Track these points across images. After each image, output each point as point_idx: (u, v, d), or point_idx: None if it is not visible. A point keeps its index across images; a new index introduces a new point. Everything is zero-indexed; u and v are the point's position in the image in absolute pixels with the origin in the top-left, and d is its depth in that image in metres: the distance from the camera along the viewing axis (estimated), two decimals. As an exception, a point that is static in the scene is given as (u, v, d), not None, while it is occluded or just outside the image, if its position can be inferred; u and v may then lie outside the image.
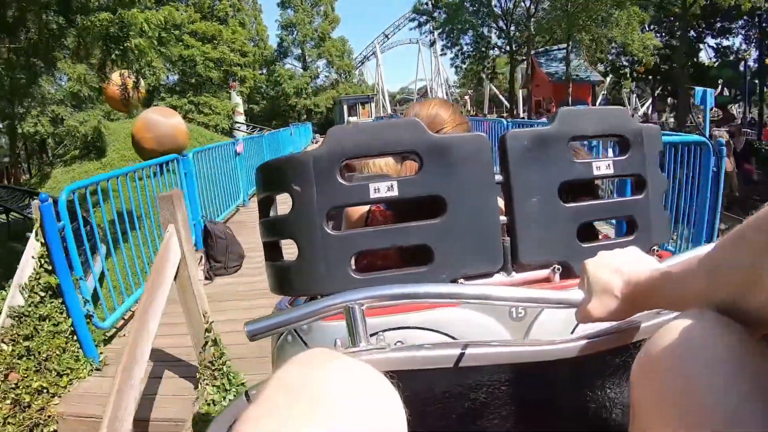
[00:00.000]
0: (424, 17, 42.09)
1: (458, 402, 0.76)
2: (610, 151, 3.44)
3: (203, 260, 5.51)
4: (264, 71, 47.92)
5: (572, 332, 0.98)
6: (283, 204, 1.07)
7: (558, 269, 1.09)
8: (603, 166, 1.09)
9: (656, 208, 1.14)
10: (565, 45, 31.16)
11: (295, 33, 48.73)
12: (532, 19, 32.54)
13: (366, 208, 1.33)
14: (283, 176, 1.02)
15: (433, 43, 37.96)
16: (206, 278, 5.31)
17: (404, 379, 0.56)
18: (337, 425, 0.44)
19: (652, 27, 31.47)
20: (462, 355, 0.71)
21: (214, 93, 38.26)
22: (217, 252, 5.63)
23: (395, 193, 0.99)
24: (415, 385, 0.70)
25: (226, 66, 39.32)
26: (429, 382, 0.74)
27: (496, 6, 35.63)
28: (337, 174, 0.99)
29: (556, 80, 32.18)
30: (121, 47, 6.48)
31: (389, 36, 56.32)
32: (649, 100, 37.40)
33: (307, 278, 1.03)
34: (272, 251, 1.13)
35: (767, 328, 0.53)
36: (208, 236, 5.74)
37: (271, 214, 1.14)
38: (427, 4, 41.94)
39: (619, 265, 0.73)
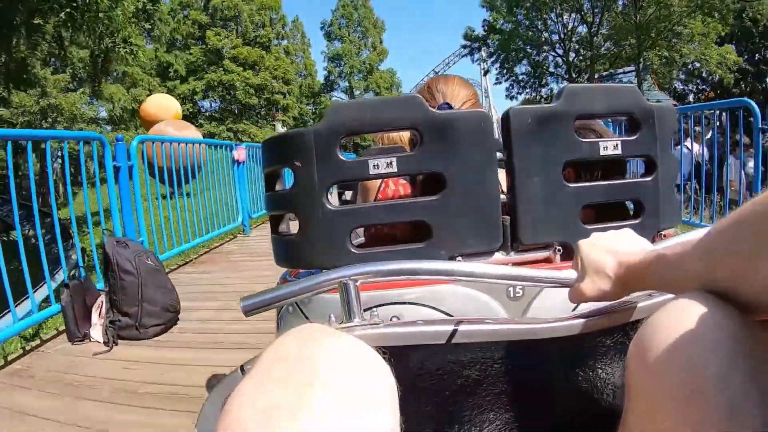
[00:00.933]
0: (477, 44, 41.37)
1: (451, 378, 0.81)
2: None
3: (102, 309, 3.49)
4: (312, 105, 48.49)
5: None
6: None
7: (559, 250, 1.11)
8: (611, 146, 1.09)
9: (666, 191, 1.14)
10: (631, 68, 30.39)
11: (342, 65, 49.51)
12: (594, 39, 31.95)
13: (378, 182, 1.37)
14: (285, 151, 1.07)
15: (486, 72, 36.74)
16: (104, 343, 3.30)
17: (397, 355, 0.61)
18: (331, 400, 0.47)
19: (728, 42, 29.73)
20: (455, 331, 0.76)
21: (255, 121, 38.23)
22: (121, 297, 3.44)
23: (394, 169, 1.02)
24: (408, 361, 0.78)
25: (268, 93, 39.34)
26: (422, 359, 0.79)
27: (553, 32, 35.40)
28: (337, 149, 1.01)
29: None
30: (71, 11, 5.43)
31: (439, 72, 56.07)
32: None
33: (307, 252, 1.07)
34: (278, 224, 1.18)
35: (762, 314, 0.56)
36: (109, 266, 3.52)
37: (277, 187, 1.17)
38: (478, 31, 41.37)
39: (613, 246, 0.79)
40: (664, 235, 1.19)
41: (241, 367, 0.70)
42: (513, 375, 0.83)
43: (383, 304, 1.07)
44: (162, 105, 13.01)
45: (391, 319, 1.01)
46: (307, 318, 1.14)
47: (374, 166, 1.02)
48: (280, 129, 32.76)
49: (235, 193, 8.01)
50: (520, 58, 37.02)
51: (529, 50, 36.71)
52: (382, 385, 0.52)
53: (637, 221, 1.12)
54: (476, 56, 40.73)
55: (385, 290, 1.08)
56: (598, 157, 1.09)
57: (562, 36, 35.15)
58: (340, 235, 1.04)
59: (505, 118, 1.07)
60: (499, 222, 1.07)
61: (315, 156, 1.01)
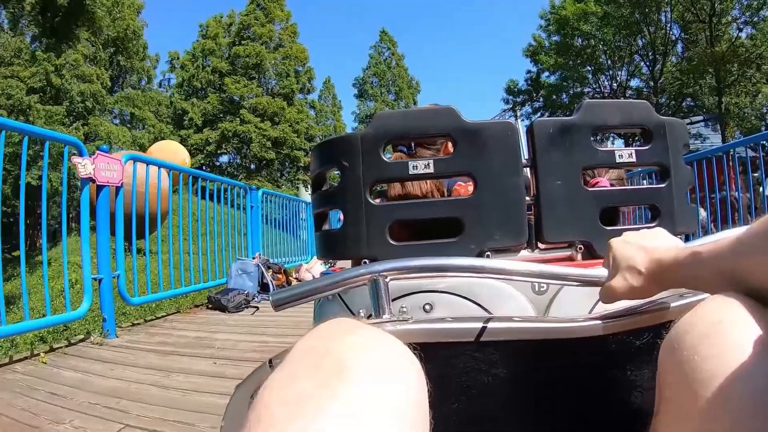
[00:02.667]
0: (520, 97, 41.62)
1: (479, 376, 0.85)
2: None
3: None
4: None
5: (591, 311, 1.10)
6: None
7: (580, 248, 1.23)
8: (626, 155, 1.24)
9: (680, 198, 1.27)
10: (699, 118, 30.17)
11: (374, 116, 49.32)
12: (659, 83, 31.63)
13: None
14: (334, 153, 1.25)
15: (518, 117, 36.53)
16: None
17: (425, 351, 0.64)
18: (359, 391, 0.50)
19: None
20: (483, 329, 0.80)
21: (273, 179, 37.91)
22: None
23: (431, 170, 1.19)
24: (436, 358, 0.79)
25: (287, 149, 39.20)
26: (450, 355, 0.83)
27: (605, 84, 35.30)
28: (381, 151, 1.18)
29: (694, 159, 29.08)
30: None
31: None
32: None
33: (350, 243, 1.22)
34: (321, 221, 1.38)
35: None
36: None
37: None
38: (521, 84, 41.86)
39: (645, 243, 0.83)
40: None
41: (270, 361, 0.75)
42: (540, 373, 0.88)
43: (417, 292, 1.16)
44: (168, 151, 13.05)
45: (423, 307, 1.14)
46: (346, 305, 1.23)
47: (414, 167, 1.19)
48: (306, 193, 32.03)
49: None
50: (567, 116, 36.34)
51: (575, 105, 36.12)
52: (412, 379, 0.55)
53: (653, 224, 1.19)
54: (521, 111, 40.50)
55: (419, 279, 1.15)
56: (614, 165, 1.27)
57: (615, 88, 35.17)
58: (380, 228, 1.19)
59: (530, 128, 1.23)
60: (524, 220, 1.20)
61: (361, 157, 1.18)
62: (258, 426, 0.48)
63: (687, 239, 1.28)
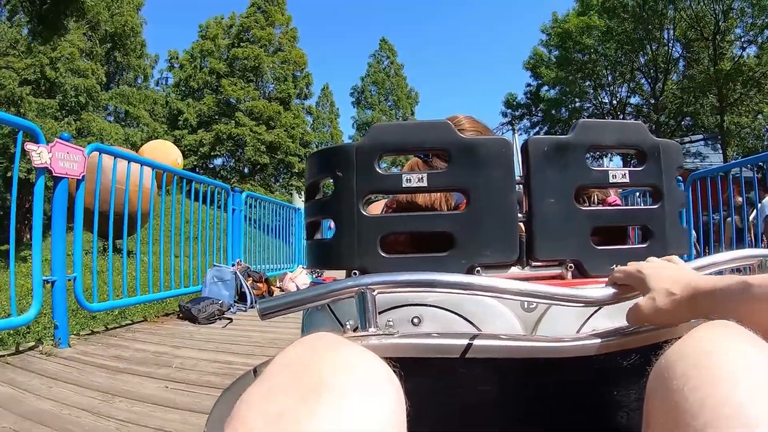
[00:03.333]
0: (519, 111, 41.71)
1: (464, 392, 0.89)
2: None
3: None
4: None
5: (579, 330, 1.11)
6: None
7: (571, 267, 1.21)
8: (619, 175, 1.23)
9: (672, 220, 1.27)
10: (699, 137, 30.21)
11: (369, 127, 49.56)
12: (660, 101, 31.53)
13: (381, 206, 1.57)
14: (329, 162, 1.24)
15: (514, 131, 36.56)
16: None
17: (410, 366, 0.68)
18: (337, 410, 0.50)
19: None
20: (469, 346, 0.81)
21: (266, 184, 37.52)
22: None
23: (425, 184, 1.18)
24: (421, 373, 0.80)
25: (282, 154, 38.83)
26: (435, 371, 0.85)
27: (604, 100, 35.25)
28: (376, 163, 1.17)
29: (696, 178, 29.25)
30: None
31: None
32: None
33: (341, 254, 1.21)
34: (313, 230, 1.37)
35: None
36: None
37: (317, 236, 1.38)
38: (520, 98, 41.91)
39: (679, 269, 0.86)
40: None
41: (254, 369, 0.75)
42: (526, 391, 0.91)
43: (405, 305, 1.14)
44: (160, 151, 12.75)
45: (411, 320, 1.12)
46: (335, 315, 1.20)
47: (407, 180, 1.18)
48: (299, 200, 31.62)
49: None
50: (566, 131, 36.42)
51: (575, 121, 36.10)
52: (390, 399, 0.55)
53: (645, 245, 1.23)
54: (519, 125, 40.60)
55: (408, 292, 1.05)
56: (607, 185, 1.26)
57: (615, 105, 35.16)
58: (372, 240, 1.17)
59: (525, 145, 1.22)
60: (516, 237, 1.19)
61: (356, 168, 1.17)
62: None
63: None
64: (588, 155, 1.23)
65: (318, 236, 1.37)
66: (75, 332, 4.58)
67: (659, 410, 0.59)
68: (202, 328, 5.21)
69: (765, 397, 0.50)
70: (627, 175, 1.23)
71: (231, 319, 5.58)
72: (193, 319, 5.45)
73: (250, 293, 6.61)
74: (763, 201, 8.31)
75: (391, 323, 0.94)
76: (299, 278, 8.27)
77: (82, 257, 4.75)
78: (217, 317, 5.59)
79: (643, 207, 1.32)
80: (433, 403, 0.84)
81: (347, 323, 0.94)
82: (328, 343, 0.60)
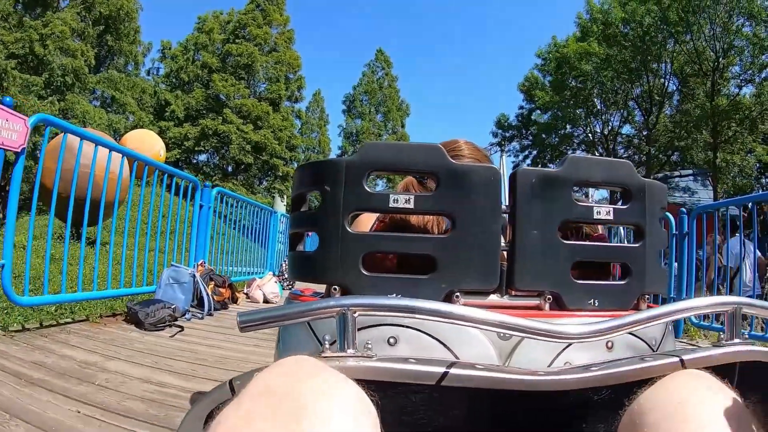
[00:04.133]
0: (510, 132, 41.72)
1: (436, 416, 0.91)
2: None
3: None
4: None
5: (551, 362, 1.12)
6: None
7: (549, 299, 1.22)
8: (603, 212, 1.25)
9: (652, 259, 1.28)
10: (688, 172, 30.06)
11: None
12: (652, 133, 31.50)
13: (372, 221, 1.56)
14: (317, 176, 1.25)
15: (517, 166, 36.41)
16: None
17: (385, 387, 0.76)
18: None
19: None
20: (445, 374, 0.84)
21: (249, 185, 36.94)
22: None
23: (411, 206, 1.18)
24: (395, 394, 0.85)
25: (267, 155, 38.28)
26: (409, 393, 0.87)
27: (596, 129, 35.15)
28: (364, 181, 1.17)
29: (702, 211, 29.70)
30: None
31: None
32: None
33: (323, 268, 1.20)
34: (297, 242, 1.38)
35: None
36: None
37: (299, 248, 1.40)
38: (512, 119, 41.83)
39: None
40: (648, 304, 1.30)
41: (230, 383, 0.77)
42: (498, 419, 0.93)
43: (383, 324, 1.14)
44: (143, 141, 12.52)
45: (388, 340, 1.11)
46: (312, 330, 1.20)
47: (394, 200, 1.18)
48: (281, 204, 31.06)
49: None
50: (555, 156, 37.13)
51: (565, 150, 36.51)
52: (367, 427, 0.57)
53: (623, 282, 1.25)
54: (508, 147, 40.64)
55: (389, 314, 1.12)
56: (592, 221, 1.27)
57: (606, 134, 35.12)
58: (355, 257, 1.17)
59: (513, 176, 1.23)
60: (498, 265, 1.20)
61: (344, 183, 1.17)
62: None
63: (656, 300, 1.59)
64: (576, 191, 1.26)
65: (300, 248, 1.38)
66: (5, 326, 4.03)
67: None
68: (146, 336, 4.61)
69: None
70: (611, 213, 1.25)
71: (182, 328, 4.99)
72: (140, 324, 4.86)
73: (209, 299, 6.05)
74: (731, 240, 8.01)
75: (369, 345, 0.88)
76: (267, 286, 7.73)
77: (31, 243, 4.25)
78: (167, 324, 4.99)
79: (624, 245, 1.33)
80: (404, 425, 0.88)
81: (325, 337, 0.87)
82: (308, 369, 0.60)
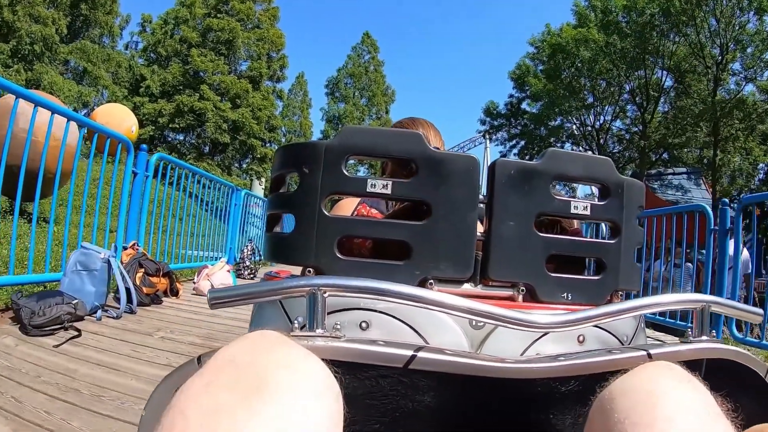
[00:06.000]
0: (499, 120, 40.77)
1: (404, 401, 0.92)
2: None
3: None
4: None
5: (523, 352, 1.13)
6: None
7: (522, 290, 1.22)
8: (581, 207, 1.25)
9: (627, 256, 1.29)
10: (682, 170, 29.60)
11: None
12: (648, 127, 30.84)
13: (354, 205, 1.62)
14: (297, 158, 1.23)
15: (504, 157, 35.69)
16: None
17: (353, 369, 0.78)
18: (275, 409, 0.52)
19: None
20: (413, 357, 0.84)
21: (226, 165, 35.67)
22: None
23: (388, 191, 1.17)
24: (363, 376, 0.87)
25: (244, 135, 36.80)
26: (377, 376, 0.88)
27: (587, 122, 34.63)
28: (343, 164, 1.17)
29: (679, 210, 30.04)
30: None
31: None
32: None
33: (298, 250, 1.19)
34: (273, 223, 1.35)
35: None
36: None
37: (276, 229, 1.36)
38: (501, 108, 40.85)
39: None
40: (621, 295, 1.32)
41: (198, 358, 0.76)
42: (465, 406, 0.95)
43: (355, 309, 1.14)
44: (113, 116, 11.75)
45: (359, 324, 1.11)
46: (285, 311, 1.20)
47: (372, 185, 1.17)
48: (259, 187, 29.82)
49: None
50: (544, 148, 36.14)
51: (554, 143, 35.91)
52: (329, 402, 0.58)
53: (597, 278, 1.26)
54: (496, 136, 40.17)
55: (360, 296, 1.09)
56: (569, 215, 1.26)
57: (597, 127, 34.43)
58: (330, 240, 1.17)
59: (492, 166, 1.23)
60: (473, 254, 1.20)
61: (323, 166, 1.16)
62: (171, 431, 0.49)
63: (628, 297, 1.31)
64: (554, 185, 1.24)
65: (278, 229, 1.35)
66: None
67: None
68: (21, 344, 3.27)
69: None
70: (588, 208, 1.25)
71: (79, 332, 3.61)
72: (24, 326, 3.56)
73: (135, 291, 4.73)
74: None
75: (338, 326, 0.86)
76: (217, 275, 6.40)
77: None
78: (62, 326, 3.64)
79: (600, 240, 1.34)
80: (370, 408, 0.90)
81: (297, 319, 0.88)
82: (273, 343, 0.61)
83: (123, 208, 5.65)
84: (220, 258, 7.85)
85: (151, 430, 0.57)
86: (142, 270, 5.13)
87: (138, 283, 4.96)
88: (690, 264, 7.36)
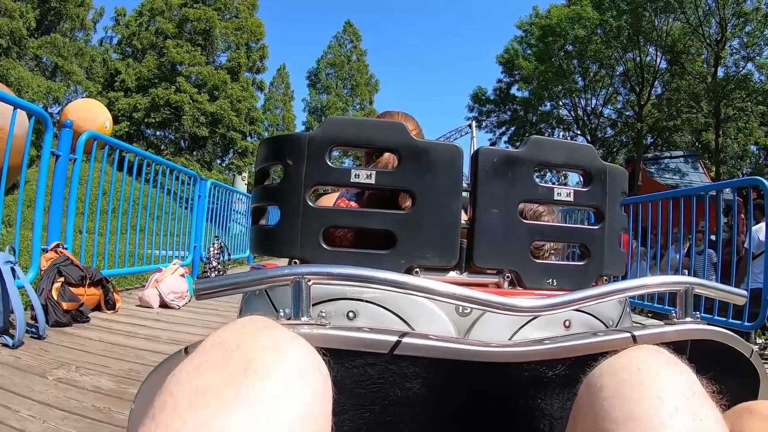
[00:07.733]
0: (488, 106, 40.13)
1: (392, 388, 0.90)
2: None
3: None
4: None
5: (510, 338, 1.14)
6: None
7: (508, 277, 1.23)
8: (564, 193, 1.26)
9: (611, 241, 1.30)
10: (679, 153, 28.38)
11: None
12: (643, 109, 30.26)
13: (333, 200, 1.66)
14: (280, 150, 1.22)
15: (493, 144, 34.81)
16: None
17: (340, 357, 0.77)
18: (261, 391, 0.52)
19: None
20: (398, 343, 0.84)
21: (205, 160, 34.63)
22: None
23: (372, 181, 1.18)
24: (350, 364, 0.86)
25: (223, 128, 35.64)
26: (365, 364, 0.87)
27: (578, 105, 34.01)
28: (327, 155, 1.16)
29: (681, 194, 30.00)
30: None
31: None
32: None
33: (284, 242, 1.19)
34: (259, 216, 1.34)
35: None
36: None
37: (261, 222, 1.35)
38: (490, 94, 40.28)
39: None
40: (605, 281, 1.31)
41: (185, 349, 0.76)
42: (454, 392, 0.94)
43: (342, 298, 1.15)
44: (86, 111, 11.06)
45: (347, 314, 1.11)
46: (272, 302, 1.20)
47: (356, 175, 1.18)
48: (242, 183, 29.39)
49: None
50: (534, 134, 36.08)
51: (544, 128, 35.39)
52: (316, 384, 0.58)
53: (582, 263, 1.27)
54: (485, 122, 39.35)
55: (346, 285, 1.12)
56: (552, 201, 1.27)
57: (588, 112, 33.96)
58: (315, 231, 1.17)
59: (475, 155, 1.24)
60: (458, 242, 1.20)
61: (306, 158, 1.16)
62: (161, 413, 0.50)
63: (614, 281, 1.19)
64: (537, 172, 1.25)
65: (263, 222, 1.34)
66: None
67: (587, 413, 0.65)
68: None
69: (684, 417, 0.58)
70: (571, 195, 1.26)
71: None
72: None
73: (53, 305, 3.69)
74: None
75: (324, 314, 0.86)
76: (166, 282, 5.31)
77: None
78: None
79: (583, 227, 1.36)
80: (359, 397, 0.88)
81: (284, 310, 0.86)
82: (261, 326, 0.61)
83: (39, 200, 4.47)
84: (174, 259, 6.73)
85: (143, 415, 0.56)
86: (62, 279, 4.04)
87: (55, 296, 3.88)
88: (712, 251, 6.92)
